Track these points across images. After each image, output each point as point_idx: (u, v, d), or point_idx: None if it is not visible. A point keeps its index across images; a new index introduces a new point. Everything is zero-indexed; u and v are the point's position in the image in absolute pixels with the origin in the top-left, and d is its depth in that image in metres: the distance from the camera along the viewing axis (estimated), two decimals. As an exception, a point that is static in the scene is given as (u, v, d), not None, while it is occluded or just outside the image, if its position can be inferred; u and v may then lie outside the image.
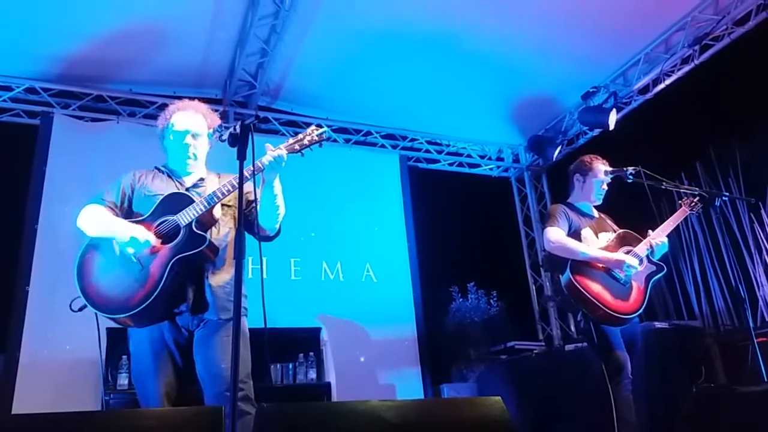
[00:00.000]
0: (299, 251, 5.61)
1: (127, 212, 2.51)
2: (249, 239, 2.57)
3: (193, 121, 2.58)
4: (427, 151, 6.82)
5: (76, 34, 4.80)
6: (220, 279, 2.44)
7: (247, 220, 2.49)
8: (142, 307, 2.28)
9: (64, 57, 5.05)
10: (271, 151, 2.37)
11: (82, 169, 5.00)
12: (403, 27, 4.94)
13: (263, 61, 5.28)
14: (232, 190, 2.39)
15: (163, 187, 2.53)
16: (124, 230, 2.36)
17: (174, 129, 2.58)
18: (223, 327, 2.39)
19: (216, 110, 2.77)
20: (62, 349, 4.49)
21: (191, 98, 2.75)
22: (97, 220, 2.44)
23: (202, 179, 2.61)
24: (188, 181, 2.60)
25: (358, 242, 5.89)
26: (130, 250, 2.32)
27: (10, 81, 5.25)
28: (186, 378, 2.42)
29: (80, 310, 2.35)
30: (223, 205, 2.52)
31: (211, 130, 2.52)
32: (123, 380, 4.04)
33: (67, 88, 5.39)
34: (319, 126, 2.46)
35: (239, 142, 2.07)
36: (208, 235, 2.39)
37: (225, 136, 2.13)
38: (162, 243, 2.37)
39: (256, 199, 2.49)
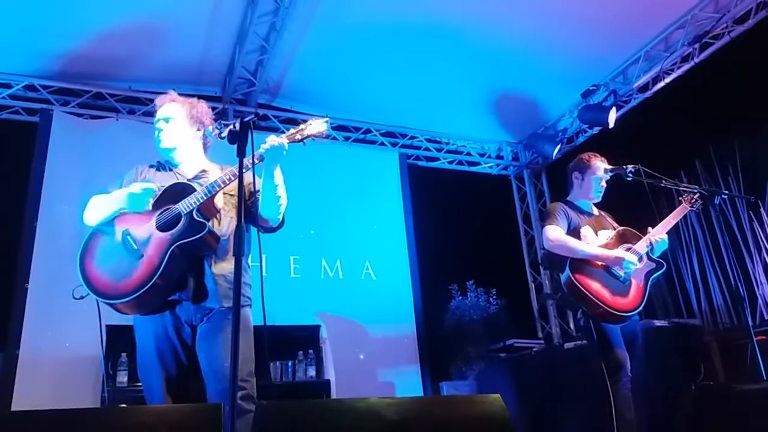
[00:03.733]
0: (299, 249, 5.61)
1: None
2: (252, 235, 2.58)
3: (163, 109, 2.65)
4: (427, 149, 6.81)
5: (76, 31, 4.79)
6: (222, 268, 2.43)
7: (249, 211, 2.48)
8: (140, 291, 2.28)
9: (64, 54, 5.04)
10: (272, 140, 2.37)
11: (81, 166, 4.99)
12: (403, 24, 4.94)
13: (263, 59, 5.28)
14: (233, 178, 2.39)
15: (165, 179, 2.55)
16: (126, 190, 2.42)
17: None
18: (227, 319, 2.37)
19: (215, 108, 2.77)
20: (62, 346, 4.50)
21: (190, 95, 2.75)
22: (99, 202, 2.48)
23: (204, 171, 2.61)
24: (190, 173, 2.60)
25: (358, 240, 5.89)
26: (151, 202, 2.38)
27: (9, 78, 5.24)
28: (192, 374, 2.42)
29: (81, 298, 2.36)
30: (225, 194, 2.52)
31: (192, 112, 2.62)
32: (122, 377, 4.03)
33: (66, 86, 5.39)
34: (322, 117, 2.45)
35: (239, 140, 2.07)
36: (208, 223, 2.40)
37: (224, 134, 2.13)
38: (163, 231, 2.38)
39: (257, 189, 2.49)
